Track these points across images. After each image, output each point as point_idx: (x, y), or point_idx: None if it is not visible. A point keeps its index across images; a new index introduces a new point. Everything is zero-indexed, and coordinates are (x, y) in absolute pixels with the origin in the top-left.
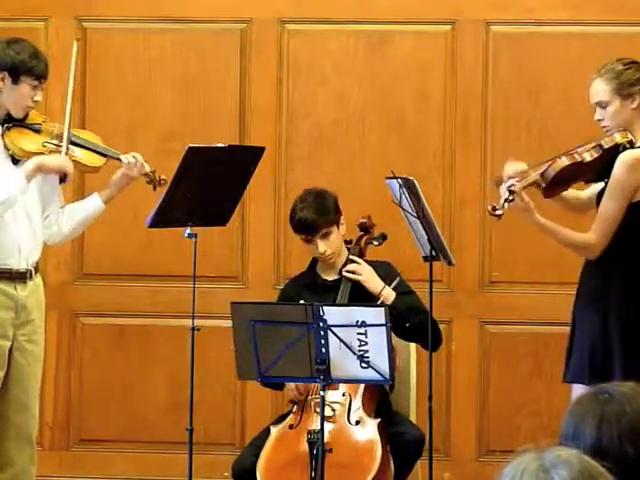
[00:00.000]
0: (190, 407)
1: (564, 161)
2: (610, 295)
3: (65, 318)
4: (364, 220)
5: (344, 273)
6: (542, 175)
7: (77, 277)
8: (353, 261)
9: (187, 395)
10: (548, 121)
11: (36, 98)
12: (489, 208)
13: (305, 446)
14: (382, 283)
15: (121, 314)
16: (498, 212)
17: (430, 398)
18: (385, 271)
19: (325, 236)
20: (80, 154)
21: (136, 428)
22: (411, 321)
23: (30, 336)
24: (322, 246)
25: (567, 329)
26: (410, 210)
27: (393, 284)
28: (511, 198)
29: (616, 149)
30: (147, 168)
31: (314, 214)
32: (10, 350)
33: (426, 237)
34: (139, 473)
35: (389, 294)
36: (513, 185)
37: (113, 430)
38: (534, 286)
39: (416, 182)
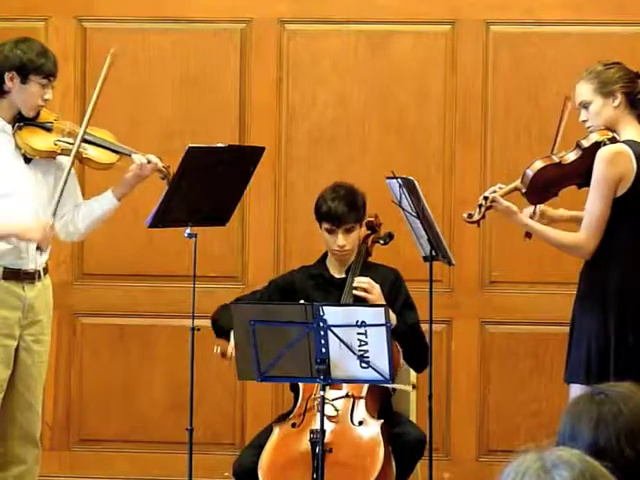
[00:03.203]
0: (190, 407)
1: (540, 163)
2: (606, 294)
3: (65, 318)
4: (371, 219)
5: (356, 292)
6: (522, 179)
7: (77, 277)
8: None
9: (187, 395)
10: (548, 121)
11: (46, 97)
12: (465, 216)
13: (308, 445)
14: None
15: (121, 314)
16: (474, 219)
17: (430, 398)
18: (393, 280)
19: (348, 231)
20: (92, 151)
21: (136, 428)
22: (406, 348)
23: (37, 336)
24: (342, 239)
25: (567, 329)
26: (410, 210)
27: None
28: (487, 204)
29: (598, 147)
30: (160, 164)
31: (346, 206)
32: (17, 350)
33: (426, 237)
34: (139, 473)
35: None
36: (493, 192)
37: (113, 430)
38: (534, 286)
39: (416, 182)
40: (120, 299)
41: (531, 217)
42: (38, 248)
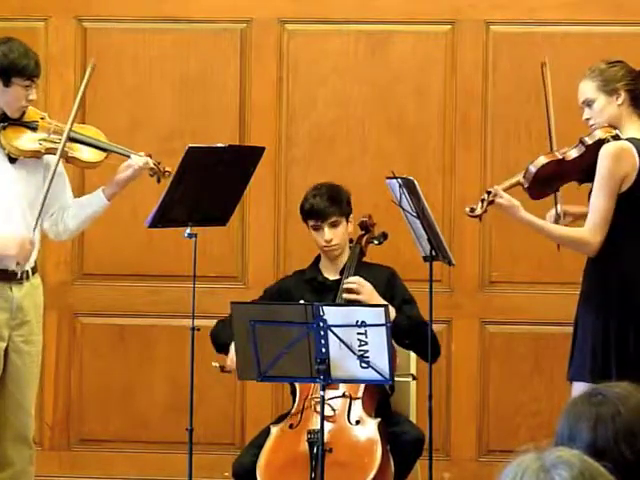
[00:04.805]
0: (190, 407)
1: (543, 159)
2: (609, 291)
3: (65, 318)
4: (365, 219)
5: (344, 295)
6: (524, 175)
7: (77, 277)
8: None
9: (187, 395)
10: None
11: (30, 97)
12: (467, 210)
13: (305, 446)
14: (383, 301)
15: (121, 314)
16: (476, 212)
17: (430, 398)
18: (387, 279)
19: (334, 225)
20: (78, 150)
21: (136, 428)
22: (411, 339)
23: (27, 337)
24: (329, 233)
25: (567, 329)
26: (410, 210)
27: None
28: (490, 199)
29: (601, 144)
30: (150, 163)
31: (327, 201)
32: (7, 350)
33: (426, 237)
34: (139, 473)
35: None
36: (492, 187)
37: (113, 430)
38: (534, 286)
39: (416, 182)
40: (120, 299)
41: (556, 220)
42: (17, 263)
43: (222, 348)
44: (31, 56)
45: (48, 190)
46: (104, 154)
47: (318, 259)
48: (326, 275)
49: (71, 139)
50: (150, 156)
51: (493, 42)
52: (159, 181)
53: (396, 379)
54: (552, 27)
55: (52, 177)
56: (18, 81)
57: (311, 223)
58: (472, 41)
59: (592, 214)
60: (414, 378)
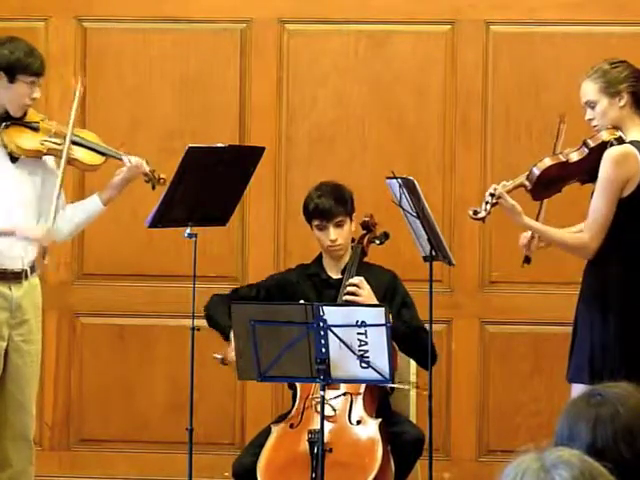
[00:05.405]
0: (190, 407)
1: (548, 161)
2: (609, 294)
3: (65, 318)
4: (367, 219)
5: (345, 297)
6: (527, 177)
7: (77, 277)
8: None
9: (187, 395)
10: (548, 121)
11: (34, 95)
12: (470, 212)
13: (306, 446)
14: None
15: (121, 314)
16: (480, 215)
17: (430, 398)
18: (388, 281)
19: (339, 225)
20: (79, 152)
21: (136, 428)
22: (409, 345)
23: (26, 336)
24: (334, 234)
25: (567, 329)
26: (410, 210)
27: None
28: (493, 201)
29: (604, 147)
30: (146, 168)
31: (332, 201)
32: (6, 350)
33: (426, 237)
34: (139, 473)
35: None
36: (495, 188)
37: (113, 430)
38: (534, 286)
39: (416, 182)
40: (120, 299)
41: (529, 242)
42: (41, 256)
43: (217, 327)
44: (36, 55)
45: (59, 193)
46: (103, 158)
47: (322, 255)
48: (329, 273)
49: (72, 142)
50: (147, 162)
51: (493, 42)
52: (154, 188)
53: (397, 386)
54: (552, 27)
55: (61, 180)
56: (23, 78)
57: (316, 223)
58: (472, 41)
59: (591, 218)
60: (417, 387)
